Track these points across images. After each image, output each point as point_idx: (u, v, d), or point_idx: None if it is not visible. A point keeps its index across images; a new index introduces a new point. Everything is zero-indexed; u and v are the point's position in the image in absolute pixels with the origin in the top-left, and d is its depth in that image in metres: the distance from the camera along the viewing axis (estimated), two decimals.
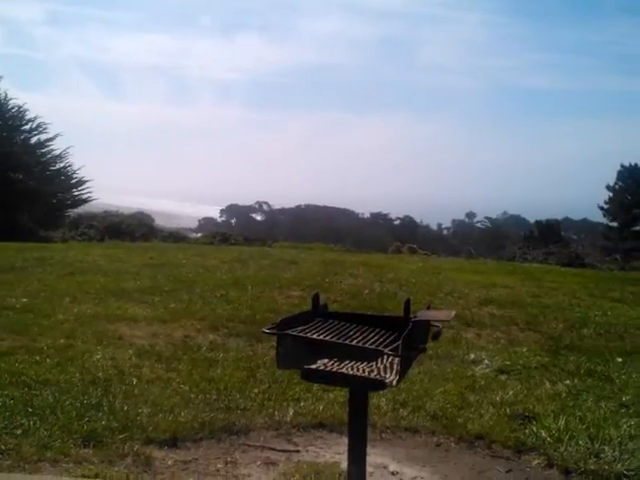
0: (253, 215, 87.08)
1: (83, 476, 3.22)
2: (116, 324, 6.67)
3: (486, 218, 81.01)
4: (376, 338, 3.04)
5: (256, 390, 4.65)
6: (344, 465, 3.10)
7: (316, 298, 3.36)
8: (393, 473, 3.47)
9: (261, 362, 5.35)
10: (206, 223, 78.30)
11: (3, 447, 3.48)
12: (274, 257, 14.15)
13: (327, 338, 2.96)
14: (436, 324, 3.37)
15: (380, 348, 2.87)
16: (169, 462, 3.53)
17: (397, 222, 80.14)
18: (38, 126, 26.96)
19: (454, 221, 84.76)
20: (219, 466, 3.53)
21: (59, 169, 27.88)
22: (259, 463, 3.58)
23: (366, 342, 2.98)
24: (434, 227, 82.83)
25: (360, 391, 2.98)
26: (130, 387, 4.61)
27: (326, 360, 2.86)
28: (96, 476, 3.22)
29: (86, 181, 28.27)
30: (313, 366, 2.84)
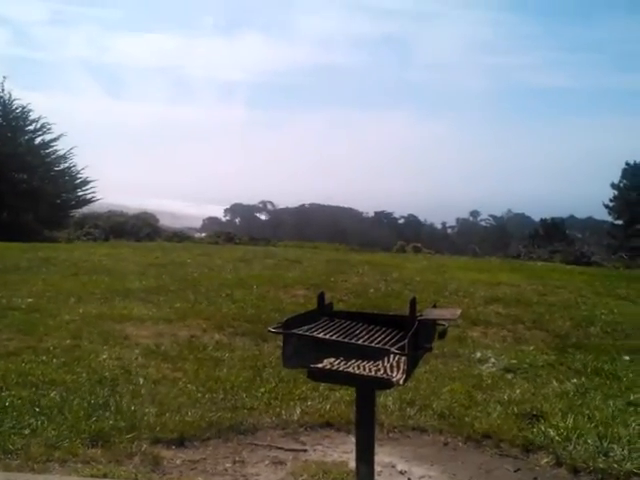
0: (257, 214, 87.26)
1: (91, 476, 3.22)
2: (122, 324, 6.68)
3: (490, 216, 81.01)
4: (382, 337, 3.03)
5: (263, 389, 4.65)
6: (352, 464, 3.09)
7: (321, 297, 3.36)
8: (401, 472, 3.46)
9: (267, 361, 5.35)
10: (210, 223, 78.46)
11: (11, 447, 3.49)
12: (279, 256, 14.15)
13: (333, 337, 2.96)
14: (442, 323, 3.37)
15: (387, 347, 2.86)
16: (177, 462, 3.53)
17: (401, 221, 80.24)
18: (42, 126, 27.03)
19: (458, 220, 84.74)
20: (227, 465, 3.52)
21: (63, 169, 27.91)
22: (267, 462, 3.57)
23: (372, 341, 2.97)
24: (438, 226, 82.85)
25: (367, 390, 2.97)
26: (137, 387, 4.61)
27: (332, 359, 2.85)
28: (104, 476, 3.22)
29: (90, 181, 28.32)
30: (319, 365, 2.84)
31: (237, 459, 3.60)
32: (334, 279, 10.50)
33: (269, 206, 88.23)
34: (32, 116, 26.83)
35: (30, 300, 7.69)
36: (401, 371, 2.70)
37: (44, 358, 5.22)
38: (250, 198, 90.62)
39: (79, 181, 28.26)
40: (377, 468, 3.23)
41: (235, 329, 6.73)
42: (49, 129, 27.16)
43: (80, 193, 28.41)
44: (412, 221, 79.37)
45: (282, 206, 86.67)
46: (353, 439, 3.07)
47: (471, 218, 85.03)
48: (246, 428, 3.99)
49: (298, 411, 4.23)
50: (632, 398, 4.70)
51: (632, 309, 8.84)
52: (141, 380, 4.77)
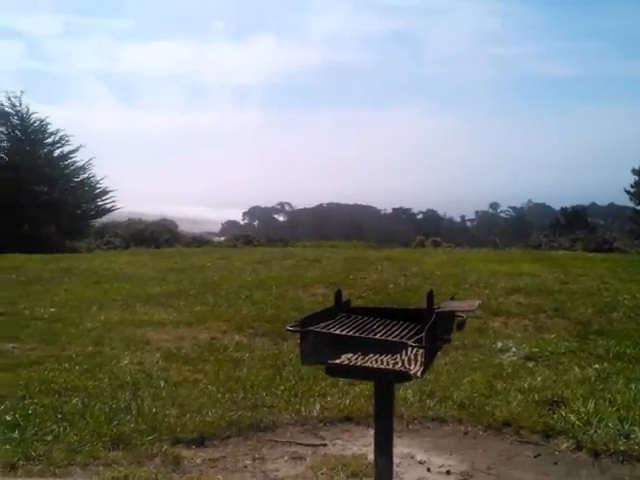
0: (275, 216, 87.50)
1: (112, 478, 3.26)
2: (143, 329, 6.74)
3: (510, 207, 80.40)
4: (400, 331, 3.03)
5: (282, 387, 4.66)
6: (371, 457, 3.10)
7: (338, 294, 3.36)
8: (420, 462, 3.46)
9: (287, 360, 5.37)
10: (229, 226, 78.87)
11: (34, 453, 3.53)
12: (297, 257, 14.17)
13: (350, 333, 2.96)
14: (460, 314, 3.35)
15: (404, 340, 2.86)
16: (197, 461, 3.56)
17: (420, 216, 79.96)
18: (60, 139, 27.28)
19: (477, 212, 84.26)
20: (247, 462, 3.54)
21: (83, 180, 28.18)
22: (287, 458, 3.59)
23: (389, 335, 2.97)
24: (457, 219, 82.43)
25: (385, 383, 2.97)
26: (158, 390, 4.65)
27: (350, 354, 2.86)
28: (125, 477, 3.25)
29: (109, 191, 28.56)
30: (337, 361, 2.84)
31: (257, 456, 3.62)
32: (353, 276, 10.49)
33: (287, 207, 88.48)
34: (50, 129, 27.12)
35: (53, 310, 7.79)
36: (419, 363, 2.70)
37: (66, 365, 5.28)
38: (268, 200, 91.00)
39: (98, 191, 28.52)
40: (396, 459, 3.23)
41: (255, 330, 6.76)
42: (67, 141, 27.43)
43: (100, 203, 28.67)
44: (431, 216, 79.05)
45: (300, 207, 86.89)
46: (372, 432, 3.07)
47: (490, 210, 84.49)
48: (266, 426, 4.01)
49: (318, 407, 4.25)
50: None
51: None
52: (162, 383, 4.81)
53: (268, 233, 37.85)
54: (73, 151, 27.50)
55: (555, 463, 3.45)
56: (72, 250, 21.32)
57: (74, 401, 4.36)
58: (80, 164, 27.78)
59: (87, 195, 28.30)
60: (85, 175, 28.12)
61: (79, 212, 27.78)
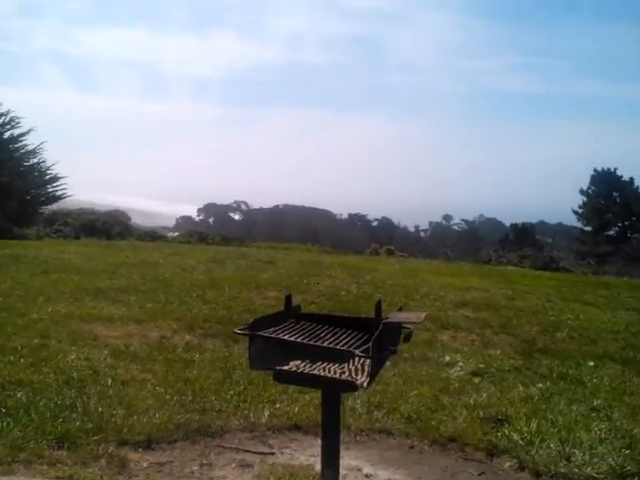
0: (231, 214, 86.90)
1: (57, 477, 3.19)
2: (91, 324, 6.63)
3: (462, 220, 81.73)
4: (348, 339, 3.06)
5: (232, 392, 4.64)
6: (318, 467, 3.11)
7: (289, 299, 3.38)
8: (367, 475, 3.50)
9: (237, 363, 5.34)
10: (183, 222, 77.92)
11: None
12: (251, 257, 14.15)
13: (299, 339, 2.98)
14: (407, 326, 3.41)
15: (351, 349, 2.90)
16: (144, 464, 3.52)
17: (375, 223, 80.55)
18: (11, 120, 26.26)
19: (431, 223, 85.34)
20: (194, 468, 3.52)
21: (33, 165, 27.29)
22: (234, 465, 3.58)
23: (338, 343, 3.00)
24: (411, 229, 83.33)
25: (332, 392, 3.00)
26: (105, 388, 4.58)
27: (298, 361, 2.88)
28: (70, 477, 3.20)
29: (60, 177, 27.70)
30: (285, 367, 2.86)
31: (204, 462, 3.60)
32: (306, 281, 10.53)
33: (243, 206, 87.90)
34: (0, 110, 26.25)
35: None
36: (365, 374, 2.74)
37: (11, 358, 5.14)
38: (223, 198, 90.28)
39: (49, 177, 27.67)
40: (343, 471, 3.27)
41: (206, 330, 6.71)
42: (18, 123, 26.42)
43: (50, 189, 27.82)
44: (386, 224, 79.71)
45: (256, 206, 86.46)
46: (320, 442, 3.09)
47: (444, 222, 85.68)
48: (214, 431, 3.99)
49: (266, 414, 4.24)
50: (595, 403, 4.80)
51: (598, 315, 9.01)
52: (109, 381, 4.73)
53: (223, 231, 37.53)
54: (23, 134, 26.55)
55: None
56: (20, 237, 20.73)
57: (18, 395, 4.25)
58: (30, 148, 26.88)
59: (37, 180, 27.42)
60: (35, 160, 27.21)
61: (28, 198, 26.90)
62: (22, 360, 5.11)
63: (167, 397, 4.47)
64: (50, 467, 3.33)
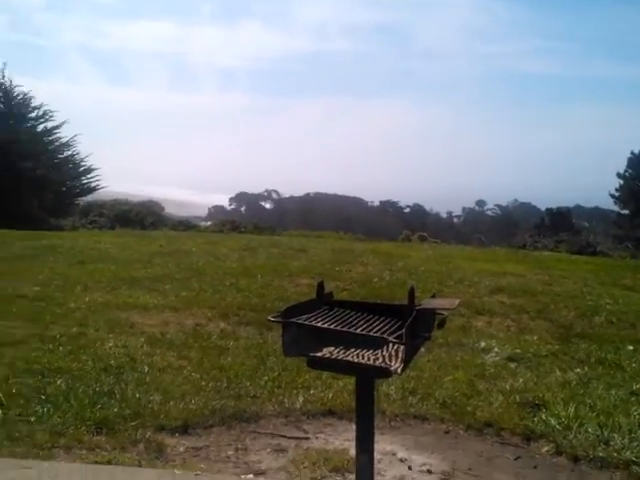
0: (262, 203, 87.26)
1: (96, 462, 3.26)
2: (128, 312, 6.73)
3: (496, 206, 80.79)
4: (381, 326, 3.05)
5: (266, 378, 4.67)
6: (353, 452, 3.12)
7: (321, 286, 3.37)
8: (401, 460, 3.49)
9: (271, 350, 5.37)
10: (216, 211, 78.52)
11: (17, 434, 3.52)
12: (283, 245, 14.19)
13: (332, 326, 2.98)
14: (441, 312, 3.39)
15: (384, 336, 2.89)
16: (180, 449, 3.57)
17: (407, 210, 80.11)
18: (44, 114, 26.64)
19: (464, 209, 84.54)
20: (230, 453, 3.56)
21: (67, 157, 27.71)
22: (269, 450, 3.61)
23: (371, 330, 2.99)
24: (444, 215, 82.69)
25: (366, 378, 3.00)
26: (142, 375, 4.65)
27: (332, 348, 2.88)
28: (108, 462, 3.26)
29: (94, 169, 28.11)
30: (318, 354, 2.86)
31: (239, 447, 3.63)
32: (339, 268, 10.53)
33: (274, 195, 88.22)
34: (34, 103, 26.56)
35: (37, 288, 7.74)
36: (399, 360, 2.72)
37: (50, 346, 5.25)
38: (255, 187, 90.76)
39: (83, 169, 28.08)
40: (377, 456, 3.27)
41: (240, 318, 6.76)
42: (51, 116, 26.79)
43: (85, 181, 28.24)
44: (418, 210, 79.25)
45: (287, 195, 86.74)
46: (354, 427, 3.09)
47: (477, 207, 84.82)
48: (249, 416, 4.02)
49: (301, 399, 4.26)
50: (634, 388, 4.72)
51: (637, 299, 8.84)
52: (146, 368, 4.80)
53: (255, 220, 37.72)
54: (57, 127, 26.95)
55: (535, 467, 3.49)
56: (56, 228, 21.11)
57: (58, 382, 4.34)
58: (64, 140, 27.28)
59: (72, 172, 27.84)
60: (69, 152, 27.64)
61: (64, 189, 27.36)
62: (61, 348, 5.21)
63: (203, 383, 4.52)
64: (89, 452, 3.39)
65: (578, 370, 5.19)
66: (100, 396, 4.12)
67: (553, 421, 3.93)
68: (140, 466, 3.27)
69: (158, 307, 7.05)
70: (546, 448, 3.68)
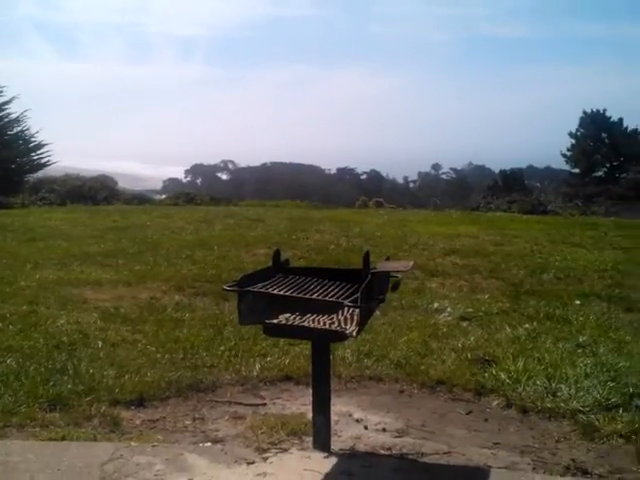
0: (219, 174, 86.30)
1: (49, 439, 3.22)
2: (80, 288, 6.62)
3: (451, 169, 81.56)
4: (336, 291, 3.09)
5: (223, 347, 4.68)
6: (310, 415, 3.16)
7: (277, 254, 3.39)
8: (358, 420, 3.55)
9: (227, 320, 5.37)
10: (171, 184, 77.27)
11: None
12: (240, 216, 14.10)
13: (287, 293, 3.00)
14: (395, 275, 3.44)
15: (340, 300, 2.92)
16: (137, 421, 3.56)
17: (364, 177, 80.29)
18: None
19: (420, 173, 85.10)
20: (187, 422, 3.56)
21: (17, 133, 27.08)
22: (227, 418, 3.62)
23: (326, 295, 3.02)
24: (400, 180, 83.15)
25: (322, 342, 3.04)
26: (95, 350, 4.60)
27: (288, 314, 2.90)
28: (63, 438, 3.23)
29: (45, 144, 27.54)
30: (274, 321, 2.88)
31: (197, 416, 3.64)
32: (295, 237, 10.55)
33: (230, 165, 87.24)
34: None
35: None
36: (354, 323, 2.76)
37: (0, 325, 5.16)
38: (211, 158, 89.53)
39: (33, 145, 27.46)
40: (334, 417, 3.32)
41: (196, 290, 6.72)
42: (1, 92, 26.23)
43: (35, 157, 27.64)
44: (374, 176, 79.48)
45: (243, 165, 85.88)
46: (311, 391, 3.14)
47: (433, 172, 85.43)
48: (206, 386, 4.03)
49: (258, 367, 4.28)
50: (581, 340, 4.87)
51: (585, 255, 9.09)
52: (100, 343, 4.75)
53: (211, 191, 37.28)
54: (6, 102, 26.39)
55: (486, 420, 3.60)
56: (5, 206, 20.51)
57: (8, 361, 4.27)
58: (14, 116, 26.67)
59: (21, 149, 27.23)
60: (19, 128, 27.04)
61: (13, 166, 26.69)
62: (11, 327, 5.12)
63: (158, 356, 4.50)
64: (43, 429, 3.35)
65: (527, 326, 5.33)
66: (53, 373, 4.07)
67: (503, 375, 4.04)
68: (95, 440, 3.25)
69: (111, 282, 6.95)
70: (496, 402, 3.80)
